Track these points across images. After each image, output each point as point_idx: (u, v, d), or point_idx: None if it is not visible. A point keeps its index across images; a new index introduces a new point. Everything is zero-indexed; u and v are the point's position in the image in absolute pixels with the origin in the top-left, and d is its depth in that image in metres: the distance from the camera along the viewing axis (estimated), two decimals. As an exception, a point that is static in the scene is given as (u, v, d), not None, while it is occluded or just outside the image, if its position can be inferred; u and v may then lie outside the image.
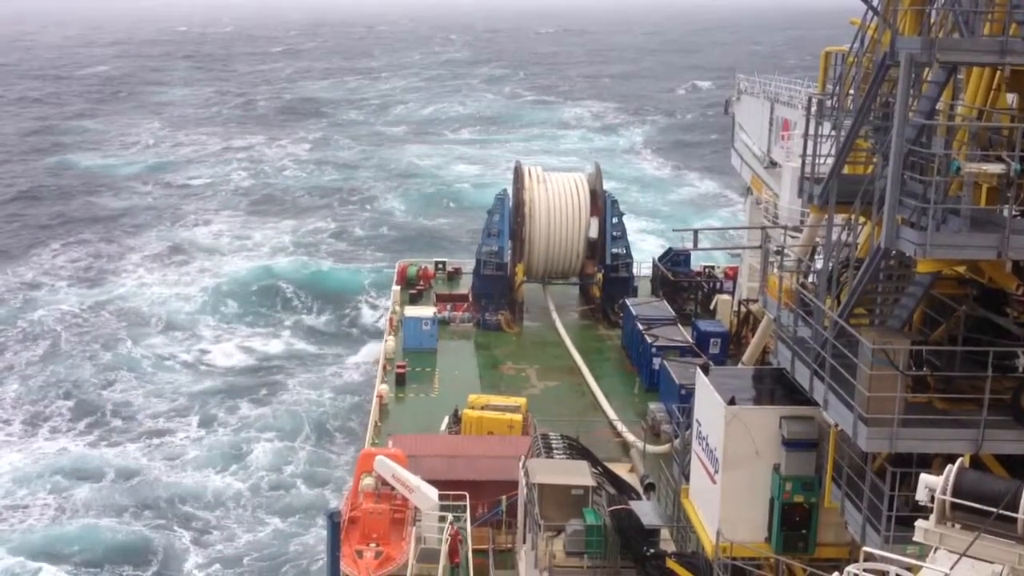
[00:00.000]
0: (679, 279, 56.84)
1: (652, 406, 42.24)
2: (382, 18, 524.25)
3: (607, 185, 58.58)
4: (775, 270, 23.99)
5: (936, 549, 11.52)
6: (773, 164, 49.56)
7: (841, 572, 12.25)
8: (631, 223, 69.51)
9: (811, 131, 21.70)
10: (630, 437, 39.74)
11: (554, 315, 54.97)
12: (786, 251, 24.63)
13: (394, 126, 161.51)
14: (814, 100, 22.52)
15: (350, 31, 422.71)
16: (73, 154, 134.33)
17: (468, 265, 60.31)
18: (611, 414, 42.59)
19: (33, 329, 69.69)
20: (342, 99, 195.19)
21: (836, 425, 19.34)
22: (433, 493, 29.78)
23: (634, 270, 57.63)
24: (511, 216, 55.59)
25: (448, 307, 55.99)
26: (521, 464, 29.66)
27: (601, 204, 56.14)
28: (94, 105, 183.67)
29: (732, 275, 57.72)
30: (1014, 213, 17.41)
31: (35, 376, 61.81)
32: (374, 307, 71.77)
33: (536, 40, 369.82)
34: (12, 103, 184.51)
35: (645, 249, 70.69)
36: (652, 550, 24.84)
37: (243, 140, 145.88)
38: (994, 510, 10.97)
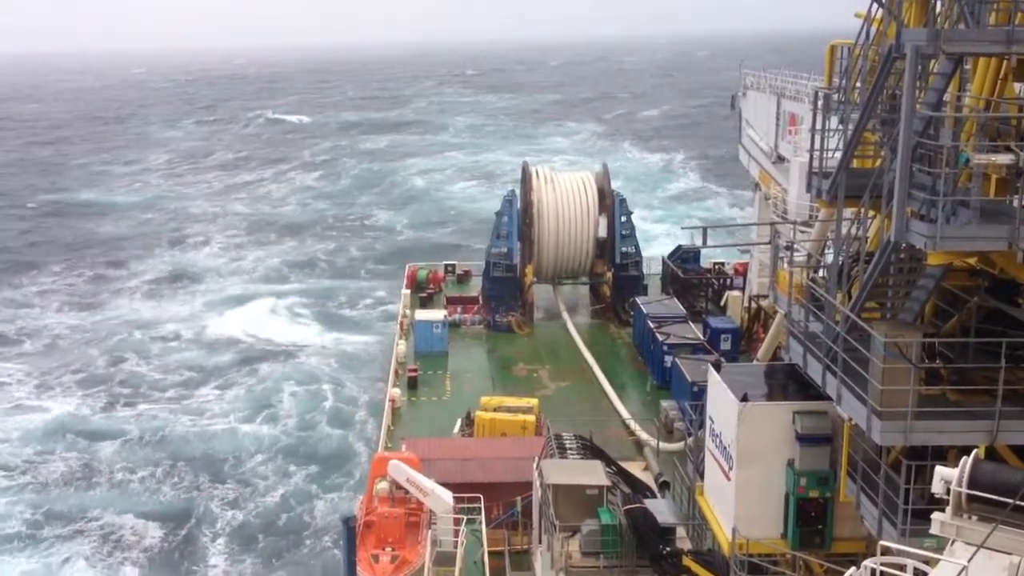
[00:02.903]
0: (689, 276, 56.72)
1: (665, 404, 42.15)
2: (384, 55, 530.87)
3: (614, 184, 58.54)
4: (785, 265, 23.93)
5: (953, 541, 11.48)
6: (781, 159, 49.47)
7: (858, 567, 12.23)
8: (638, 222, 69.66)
9: (818, 125, 21.66)
10: (643, 435, 39.66)
11: (565, 315, 54.91)
12: (796, 246, 24.53)
13: (395, 154, 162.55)
14: (820, 94, 22.47)
15: (357, 69, 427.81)
16: (81, 190, 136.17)
17: (478, 267, 60.31)
18: (624, 413, 42.50)
19: (38, 334, 71.62)
20: (346, 129, 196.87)
21: (850, 419, 19.29)
22: (448, 496, 29.77)
23: (644, 268, 57.54)
24: (519, 217, 55.54)
25: (458, 310, 55.95)
26: (535, 465, 29.63)
27: (609, 203, 56.06)
28: (104, 144, 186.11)
29: (742, 271, 57.60)
30: (1024, 203, 17.35)
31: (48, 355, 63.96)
32: (384, 319, 72.05)
33: (539, 73, 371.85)
34: (34, 145, 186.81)
35: (655, 234, 70.22)
36: (668, 548, 24.80)
37: (248, 174, 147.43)
38: (1011, 501, 10.93)
